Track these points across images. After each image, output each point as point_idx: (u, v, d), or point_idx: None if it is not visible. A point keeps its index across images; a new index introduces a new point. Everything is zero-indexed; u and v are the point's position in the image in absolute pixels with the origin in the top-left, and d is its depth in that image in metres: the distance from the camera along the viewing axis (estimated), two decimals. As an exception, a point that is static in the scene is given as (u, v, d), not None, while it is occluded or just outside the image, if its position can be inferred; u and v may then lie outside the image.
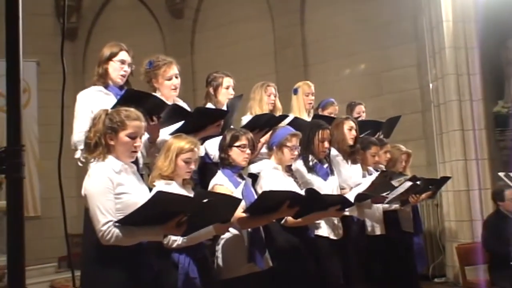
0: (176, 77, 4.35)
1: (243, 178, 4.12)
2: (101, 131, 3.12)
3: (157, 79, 4.29)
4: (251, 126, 4.49)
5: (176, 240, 3.42)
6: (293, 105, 5.88)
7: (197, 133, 4.05)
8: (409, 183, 5.25)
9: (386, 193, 5.17)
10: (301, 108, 5.82)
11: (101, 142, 3.11)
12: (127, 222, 2.92)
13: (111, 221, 2.92)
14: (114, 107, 3.38)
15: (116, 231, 2.91)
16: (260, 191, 4.26)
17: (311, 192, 3.97)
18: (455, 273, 7.82)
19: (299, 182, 4.50)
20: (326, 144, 4.78)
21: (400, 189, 5.22)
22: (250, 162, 4.38)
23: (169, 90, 4.30)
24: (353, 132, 5.20)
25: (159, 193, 2.93)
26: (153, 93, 4.10)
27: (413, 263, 5.95)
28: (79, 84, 9.87)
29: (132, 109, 3.20)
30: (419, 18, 8.87)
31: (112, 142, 3.13)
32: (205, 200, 3.21)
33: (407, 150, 6.30)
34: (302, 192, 4.11)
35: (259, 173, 4.58)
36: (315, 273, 4.37)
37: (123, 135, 3.13)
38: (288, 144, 4.38)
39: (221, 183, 3.92)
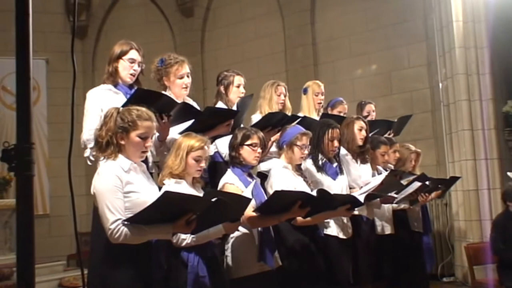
0: (188, 76, 4.34)
1: (252, 177, 4.12)
2: (113, 130, 3.11)
3: (169, 77, 4.29)
4: (264, 124, 4.49)
5: (185, 239, 3.42)
6: (302, 104, 5.86)
7: (207, 132, 4.05)
8: (418, 183, 5.23)
9: (395, 193, 5.16)
10: (311, 107, 5.80)
11: (113, 141, 3.11)
12: (136, 220, 2.92)
13: (120, 219, 2.92)
14: (124, 106, 3.38)
15: (125, 229, 2.91)
16: (270, 190, 4.25)
17: (323, 193, 3.96)
18: (464, 273, 7.81)
19: (308, 181, 4.49)
20: (336, 143, 4.77)
21: (409, 189, 5.21)
22: (260, 161, 4.36)
23: (180, 88, 4.29)
24: (363, 132, 5.18)
25: (167, 193, 2.93)
26: (163, 92, 4.09)
27: (423, 263, 5.93)
28: (89, 82, 10.01)
29: (143, 109, 3.19)
30: (429, 18, 8.85)
31: (122, 142, 3.13)
32: (213, 199, 3.21)
33: (416, 149, 6.28)
34: (313, 192, 4.10)
35: (268, 171, 4.57)
36: (325, 272, 4.37)
37: (134, 135, 3.12)
38: (298, 143, 4.38)
39: (231, 181, 3.91)
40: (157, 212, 2.90)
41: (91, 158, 3.66)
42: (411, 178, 5.69)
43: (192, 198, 3.18)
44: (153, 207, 2.84)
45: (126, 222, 2.92)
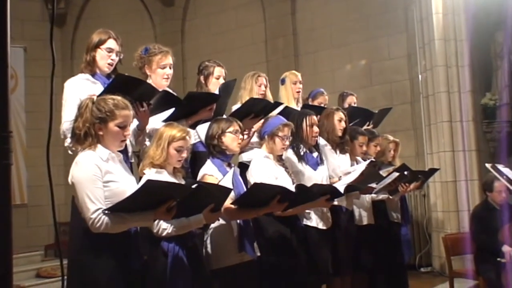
0: (170, 68, 4.32)
1: (231, 168, 4.10)
2: (90, 121, 3.07)
3: (151, 65, 4.26)
4: (246, 111, 4.48)
5: (166, 228, 3.39)
6: (281, 95, 5.84)
7: (189, 118, 4.05)
8: (396, 174, 5.27)
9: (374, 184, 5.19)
10: (290, 97, 5.79)
11: (91, 132, 3.06)
12: (118, 209, 2.90)
13: (100, 208, 2.90)
14: (103, 93, 3.35)
15: (106, 218, 2.89)
16: (251, 180, 4.26)
17: (301, 188, 3.96)
18: (441, 263, 7.89)
19: (289, 172, 4.50)
20: (316, 129, 4.79)
21: (388, 179, 5.24)
22: (241, 151, 4.36)
23: (161, 78, 4.26)
24: (343, 124, 5.19)
25: (149, 181, 2.92)
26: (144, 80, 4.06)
27: (401, 253, 5.99)
28: (67, 71, 9.93)
29: (119, 98, 3.15)
30: (410, 9, 8.89)
31: (101, 132, 3.08)
32: (194, 186, 3.21)
33: (395, 139, 6.31)
34: (292, 185, 4.11)
35: (250, 162, 4.56)
36: (304, 263, 4.38)
37: (112, 125, 3.08)
38: (280, 134, 4.37)
39: (210, 173, 3.88)
40: (139, 200, 2.89)
41: (72, 148, 3.63)
42: (391, 168, 5.74)
43: (174, 185, 3.18)
44: (136, 195, 2.83)
45: (107, 211, 2.90)
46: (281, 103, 5.06)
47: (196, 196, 3.24)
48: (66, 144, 3.72)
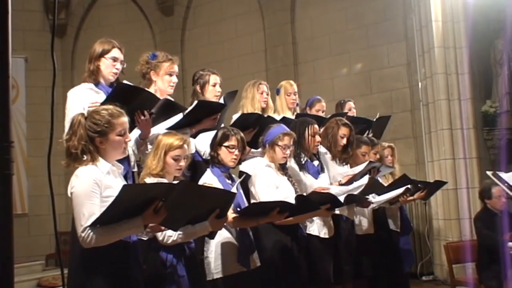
0: (176, 76, 4.35)
1: (232, 179, 4.08)
2: (85, 138, 2.99)
3: (159, 71, 4.28)
4: (240, 126, 4.47)
5: (172, 236, 3.37)
6: (276, 105, 5.80)
7: (193, 126, 4.06)
8: (401, 190, 5.26)
9: (376, 194, 5.18)
10: (284, 107, 5.75)
11: (88, 148, 2.99)
12: (103, 221, 2.82)
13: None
14: (105, 102, 3.34)
15: (95, 232, 2.82)
16: (253, 189, 4.26)
17: (300, 199, 3.96)
18: (443, 271, 7.87)
19: (292, 181, 4.48)
20: (318, 138, 4.78)
21: (392, 194, 5.24)
22: (241, 160, 4.34)
23: (167, 85, 4.30)
24: (344, 141, 5.15)
25: (125, 186, 2.80)
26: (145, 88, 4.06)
27: (401, 262, 5.96)
28: (68, 81, 9.97)
29: (111, 106, 3.10)
30: (409, 18, 8.91)
31: (103, 146, 3.02)
32: (176, 181, 3.14)
33: (389, 144, 6.26)
34: (295, 194, 4.11)
35: (249, 171, 4.56)
36: (305, 271, 4.37)
37: (113, 136, 3.03)
38: (280, 143, 4.34)
39: (209, 182, 3.85)
40: (123, 207, 2.79)
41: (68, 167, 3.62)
42: (390, 171, 5.73)
43: (153, 185, 3.12)
44: (115, 203, 2.73)
45: (95, 225, 2.82)
46: (274, 118, 4.99)
47: (188, 196, 3.06)
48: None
